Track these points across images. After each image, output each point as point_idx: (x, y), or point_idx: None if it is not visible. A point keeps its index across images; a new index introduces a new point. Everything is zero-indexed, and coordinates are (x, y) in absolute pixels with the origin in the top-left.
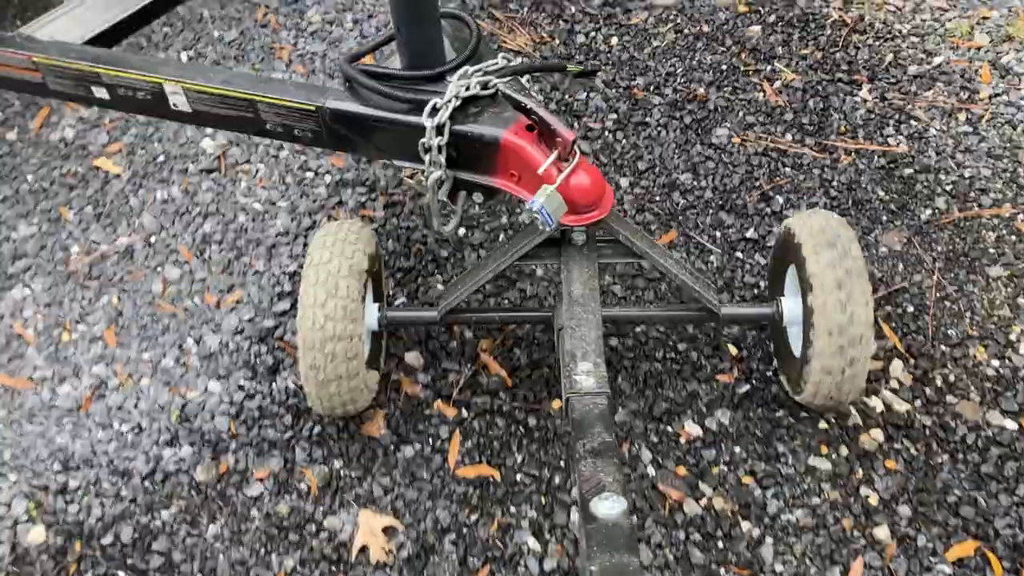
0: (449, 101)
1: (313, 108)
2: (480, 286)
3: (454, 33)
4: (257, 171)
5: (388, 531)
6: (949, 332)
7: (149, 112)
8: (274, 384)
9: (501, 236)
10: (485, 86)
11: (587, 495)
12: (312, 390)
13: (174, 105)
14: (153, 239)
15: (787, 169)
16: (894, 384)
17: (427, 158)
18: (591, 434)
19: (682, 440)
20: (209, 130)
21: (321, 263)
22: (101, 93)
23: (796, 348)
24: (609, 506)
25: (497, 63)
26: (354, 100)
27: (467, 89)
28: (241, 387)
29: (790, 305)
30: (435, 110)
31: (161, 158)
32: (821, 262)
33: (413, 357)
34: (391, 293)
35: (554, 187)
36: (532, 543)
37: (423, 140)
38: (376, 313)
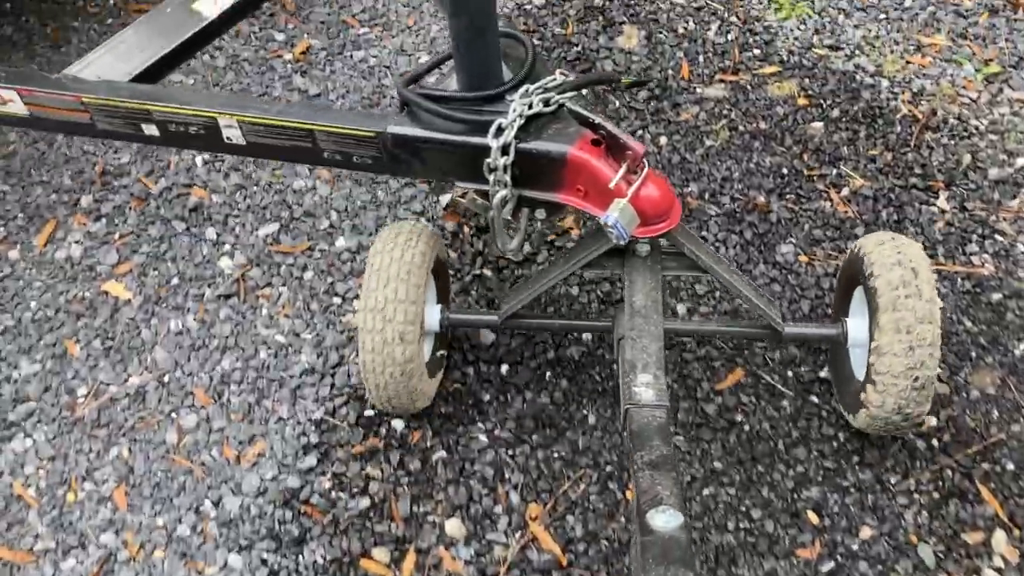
0: (514, 120)
1: (374, 134)
2: (542, 293)
3: (507, 52)
4: (280, 296)
5: None
6: None
7: (201, 147)
8: (301, 558)
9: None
10: (547, 103)
11: (644, 507)
12: (371, 386)
13: (227, 139)
14: (167, 378)
15: None
16: (997, 561)
17: (492, 178)
18: (649, 446)
19: None
20: (227, 247)
21: (383, 265)
22: (151, 130)
23: (858, 371)
24: (666, 519)
25: (555, 79)
26: (415, 124)
27: (530, 107)
28: (264, 561)
29: (855, 326)
30: (500, 130)
31: (175, 280)
32: (889, 284)
33: (454, 526)
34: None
35: (627, 200)
36: None
37: (488, 160)
38: (438, 315)
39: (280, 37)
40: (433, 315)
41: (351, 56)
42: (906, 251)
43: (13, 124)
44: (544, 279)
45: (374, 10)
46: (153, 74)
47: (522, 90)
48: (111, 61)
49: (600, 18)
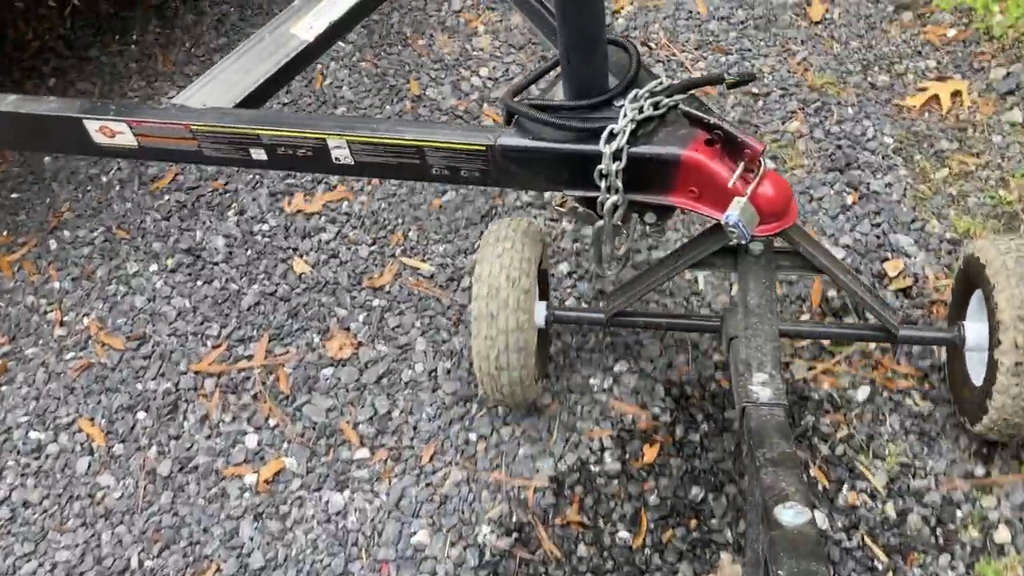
0: (626, 126)
1: (483, 148)
2: (649, 291)
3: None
4: None
5: None
6: None
7: (309, 168)
8: None
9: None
10: (656, 107)
11: (770, 502)
12: (484, 375)
13: (336, 159)
14: None
15: None
16: None
17: (603, 184)
18: (770, 444)
19: None
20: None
21: (494, 257)
22: (259, 154)
23: (976, 376)
24: (794, 514)
25: (663, 83)
26: (524, 135)
27: (640, 112)
28: None
29: (973, 330)
30: (612, 136)
31: None
32: (1013, 295)
33: None
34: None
35: (747, 199)
36: None
37: (600, 167)
38: (544, 311)
39: None
40: (539, 312)
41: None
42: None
43: (123, 156)
44: (652, 276)
45: None
46: (256, 99)
47: (631, 95)
48: (214, 89)
49: None
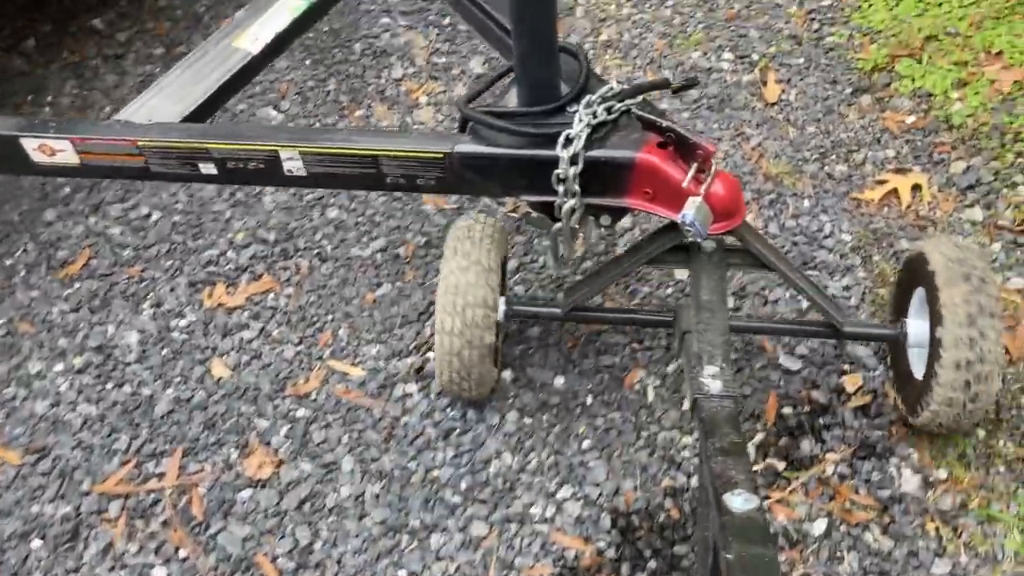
0: (582, 130)
1: (441, 155)
2: (606, 286)
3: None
4: None
5: None
6: None
7: (260, 181)
8: None
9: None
10: (609, 111)
11: (720, 489)
12: (444, 373)
13: (288, 171)
14: None
15: None
16: None
17: (561, 188)
18: (720, 434)
19: None
20: None
21: (461, 252)
22: (208, 168)
23: (918, 371)
24: (743, 500)
25: (613, 88)
26: (481, 142)
27: (595, 116)
28: None
29: (915, 326)
30: (568, 140)
31: None
32: (954, 293)
33: None
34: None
35: (701, 199)
36: None
37: (557, 171)
38: (503, 306)
39: None
40: (499, 307)
41: None
42: (972, 261)
43: (65, 175)
44: (609, 273)
45: None
46: (203, 113)
47: (584, 100)
48: (159, 103)
49: None
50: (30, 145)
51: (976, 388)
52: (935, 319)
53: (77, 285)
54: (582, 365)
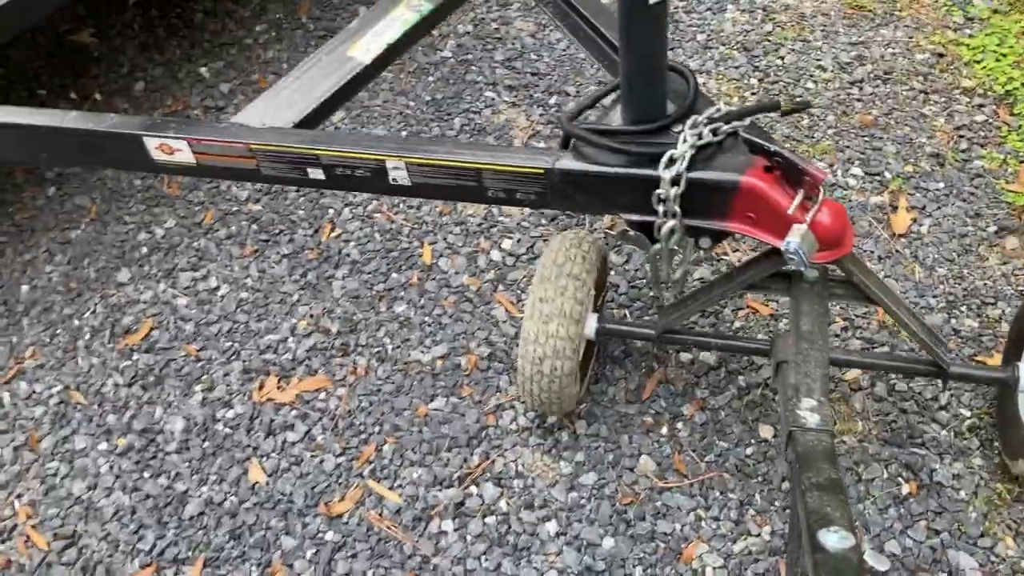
0: (686, 151)
1: (542, 171)
2: (703, 309)
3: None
4: None
5: None
6: None
7: (365, 188)
8: None
9: None
10: (715, 132)
11: (814, 526)
12: (526, 391)
13: (393, 180)
14: None
15: None
16: None
17: (661, 208)
18: (816, 469)
19: None
20: None
21: (555, 265)
22: (316, 174)
23: None
24: (838, 539)
25: (720, 109)
26: (582, 159)
27: (700, 138)
28: None
29: None
30: (672, 161)
31: None
32: None
33: None
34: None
35: (806, 226)
36: None
37: (658, 191)
38: (594, 324)
39: None
40: (590, 324)
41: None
42: None
43: (180, 173)
44: (705, 296)
45: None
46: (314, 119)
47: (690, 121)
48: (272, 108)
49: None
50: (151, 144)
51: None
52: None
53: (135, 357)
54: (636, 528)
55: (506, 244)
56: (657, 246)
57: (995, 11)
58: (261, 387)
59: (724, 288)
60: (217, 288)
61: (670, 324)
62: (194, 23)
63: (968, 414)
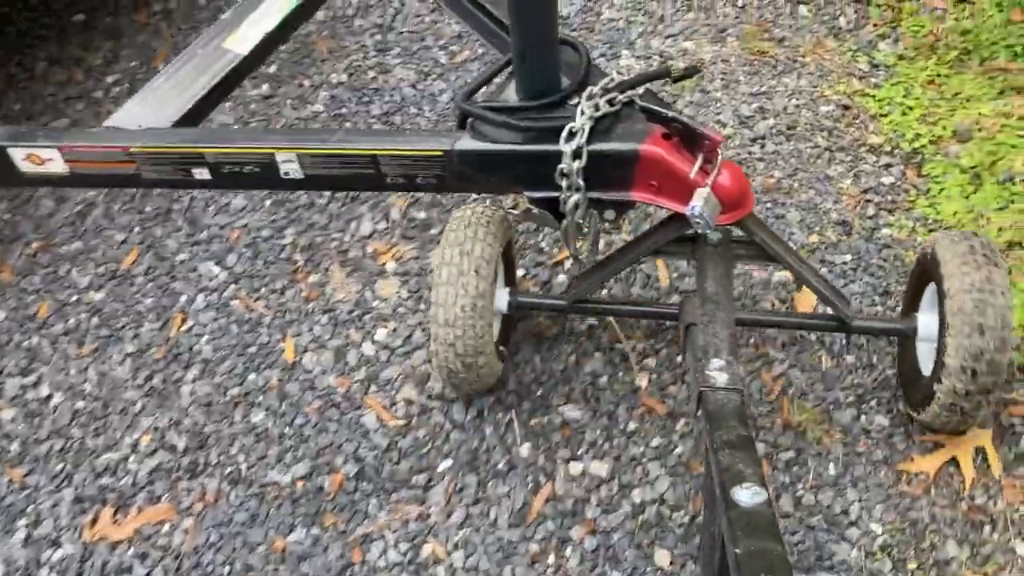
0: (585, 123)
1: (441, 153)
2: (611, 277)
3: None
4: None
5: None
6: None
7: (256, 185)
8: None
9: None
10: (611, 103)
11: (727, 484)
12: (441, 367)
13: (285, 174)
14: None
15: None
16: None
17: (564, 183)
18: (727, 427)
19: None
20: None
21: (458, 240)
22: (202, 174)
23: (925, 367)
24: (751, 494)
25: (614, 79)
26: (482, 138)
27: (597, 109)
28: None
29: (925, 321)
30: (572, 134)
31: None
32: (963, 283)
33: None
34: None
35: (708, 190)
36: None
37: (561, 166)
38: (506, 297)
39: None
40: (502, 297)
41: None
42: (973, 242)
43: (52, 184)
44: (613, 265)
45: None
46: (194, 117)
47: (586, 92)
48: (148, 109)
49: None
50: (18, 155)
51: (984, 379)
52: (943, 309)
53: None
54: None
55: (380, 335)
56: (566, 221)
57: (900, 57)
58: (95, 521)
59: (631, 254)
60: (49, 397)
61: (580, 294)
62: (35, 73)
63: (879, 530)
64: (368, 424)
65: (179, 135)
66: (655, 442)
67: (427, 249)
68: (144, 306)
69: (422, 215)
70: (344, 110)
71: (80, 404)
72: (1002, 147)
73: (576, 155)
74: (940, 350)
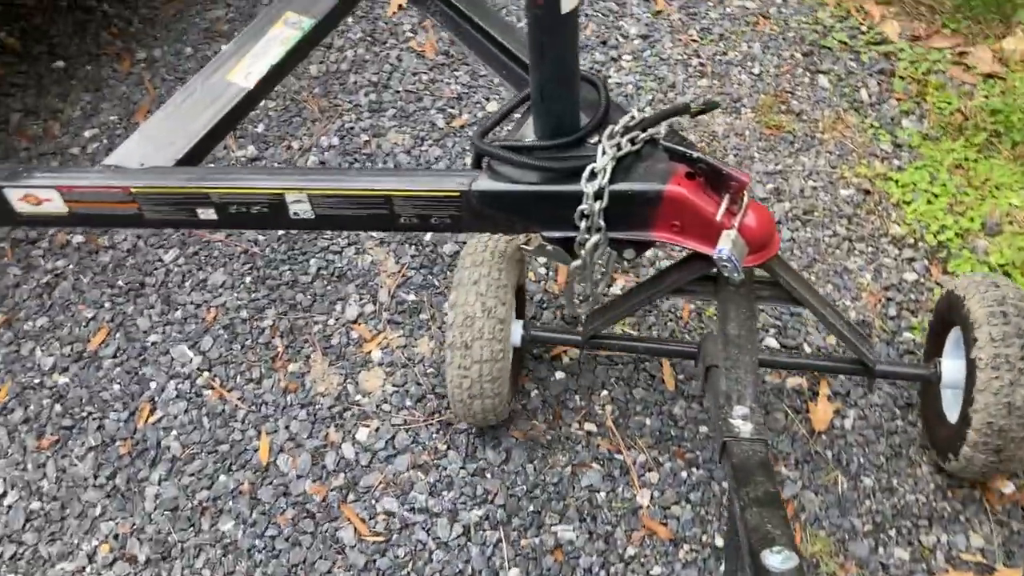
0: (607, 164)
1: (458, 194)
2: (628, 315)
3: None
4: None
5: None
6: None
7: (263, 225)
8: None
9: None
10: (632, 142)
11: (756, 546)
12: (456, 402)
13: (295, 214)
14: None
15: None
16: None
17: (583, 224)
18: (754, 482)
19: None
20: None
21: (470, 280)
22: (208, 214)
23: (951, 414)
24: (782, 559)
25: (635, 117)
26: (500, 178)
27: (619, 148)
28: None
29: (950, 367)
30: (593, 175)
31: None
32: (991, 330)
33: None
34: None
35: (736, 232)
36: None
37: (581, 207)
38: (520, 331)
39: None
40: (515, 331)
41: None
42: (1004, 291)
43: (50, 224)
44: (630, 301)
45: None
46: (197, 155)
47: (607, 131)
48: (150, 146)
49: None
50: (14, 196)
51: (1015, 420)
52: (970, 359)
53: None
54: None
55: (361, 435)
56: (578, 261)
57: (925, 136)
58: None
59: (650, 292)
60: (3, 495)
61: (596, 330)
62: (9, 125)
63: None
64: (344, 539)
65: (183, 174)
66: (655, 571)
67: (415, 337)
68: (111, 393)
69: (411, 297)
70: None
71: (36, 504)
72: None
73: (598, 196)
74: (967, 398)
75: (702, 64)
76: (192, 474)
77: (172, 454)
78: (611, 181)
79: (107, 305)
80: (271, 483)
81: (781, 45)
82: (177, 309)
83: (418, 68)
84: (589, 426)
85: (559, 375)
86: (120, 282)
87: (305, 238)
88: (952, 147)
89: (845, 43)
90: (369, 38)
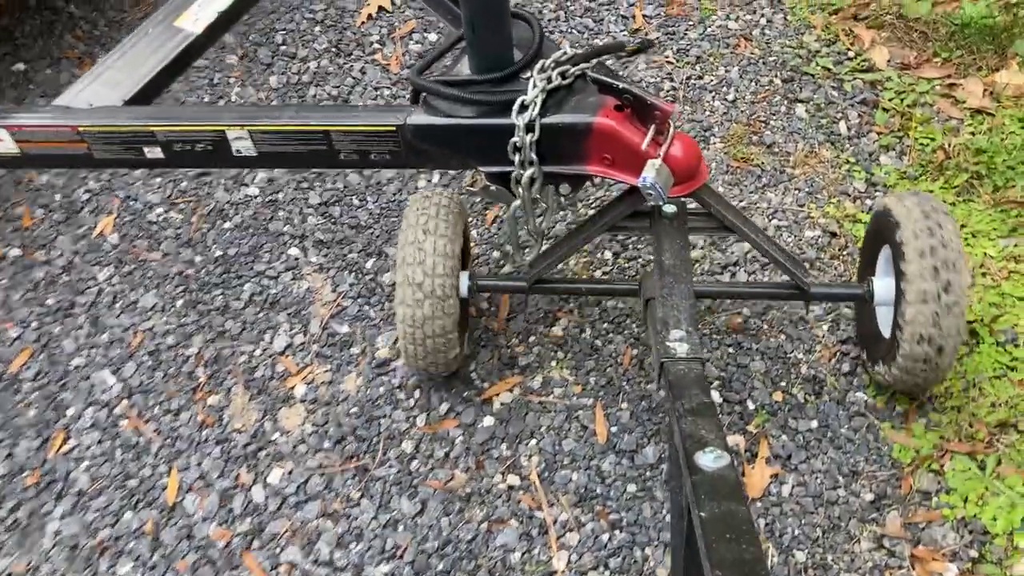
0: (537, 96)
1: (394, 128)
2: (569, 256)
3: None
4: None
5: None
6: None
7: (207, 163)
8: None
9: None
10: (564, 76)
11: (690, 449)
12: (408, 348)
13: (237, 151)
14: None
15: None
16: None
17: (517, 158)
18: (689, 395)
19: None
20: None
21: (419, 222)
22: (154, 152)
23: (885, 330)
24: (714, 458)
25: (567, 52)
26: (435, 113)
27: (549, 81)
28: None
29: (882, 285)
30: (524, 107)
31: None
32: (917, 244)
33: None
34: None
35: (661, 161)
36: None
37: (513, 139)
38: (466, 281)
39: None
40: (462, 281)
41: None
42: (927, 206)
43: (4, 166)
44: (571, 243)
45: None
46: (145, 96)
47: (538, 65)
48: (100, 87)
49: None
50: None
51: (945, 323)
52: (900, 275)
53: None
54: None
55: (273, 477)
56: (518, 201)
57: (903, 175)
58: None
59: (588, 232)
60: None
61: (540, 274)
62: None
63: None
64: None
65: (130, 113)
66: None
67: (342, 373)
68: (26, 419)
69: (344, 329)
70: (280, 195)
71: None
72: (1007, 299)
73: (529, 128)
74: (898, 313)
75: (674, 88)
76: (97, 510)
77: (79, 487)
78: (542, 114)
79: (34, 324)
80: (176, 524)
81: (760, 70)
82: (104, 332)
83: (381, 82)
84: (512, 479)
85: (487, 421)
86: (50, 300)
87: (243, 259)
88: (930, 188)
89: (829, 69)
90: (334, 49)
